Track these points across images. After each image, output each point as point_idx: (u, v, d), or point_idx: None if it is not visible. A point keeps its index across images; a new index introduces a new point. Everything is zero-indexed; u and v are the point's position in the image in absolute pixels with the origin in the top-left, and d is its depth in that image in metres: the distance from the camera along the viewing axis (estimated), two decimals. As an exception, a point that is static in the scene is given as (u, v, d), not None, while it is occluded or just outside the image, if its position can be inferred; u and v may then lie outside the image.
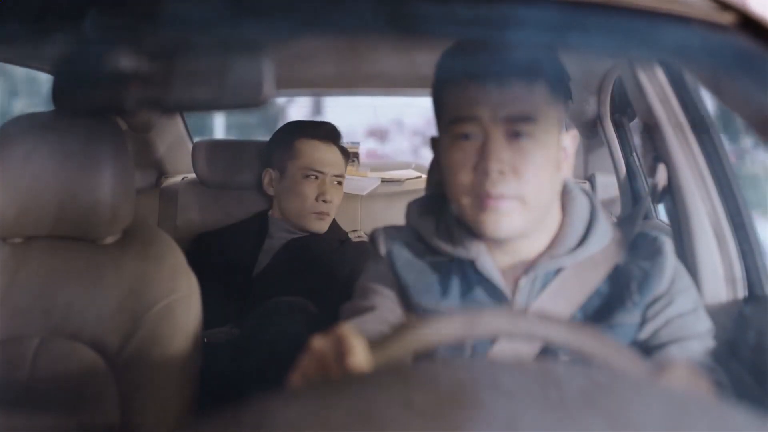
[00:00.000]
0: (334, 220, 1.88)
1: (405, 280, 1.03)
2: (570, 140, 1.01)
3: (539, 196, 0.95)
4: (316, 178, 1.80)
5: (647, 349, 0.95)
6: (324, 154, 1.81)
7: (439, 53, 1.01)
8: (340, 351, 0.69)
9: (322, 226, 1.81)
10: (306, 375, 0.69)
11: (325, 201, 1.79)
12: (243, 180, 2.04)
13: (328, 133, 1.84)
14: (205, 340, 1.24)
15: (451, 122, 0.96)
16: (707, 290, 1.19)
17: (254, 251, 1.81)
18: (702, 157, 1.24)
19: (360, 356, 0.69)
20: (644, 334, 0.96)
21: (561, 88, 0.99)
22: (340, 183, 1.84)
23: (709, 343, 0.96)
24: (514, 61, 0.94)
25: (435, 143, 1.04)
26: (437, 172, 1.06)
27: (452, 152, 0.96)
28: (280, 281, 1.68)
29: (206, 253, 1.78)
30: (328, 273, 1.71)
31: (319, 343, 0.71)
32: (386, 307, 1.01)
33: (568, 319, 0.95)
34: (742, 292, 1.19)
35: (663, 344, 0.95)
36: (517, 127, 0.93)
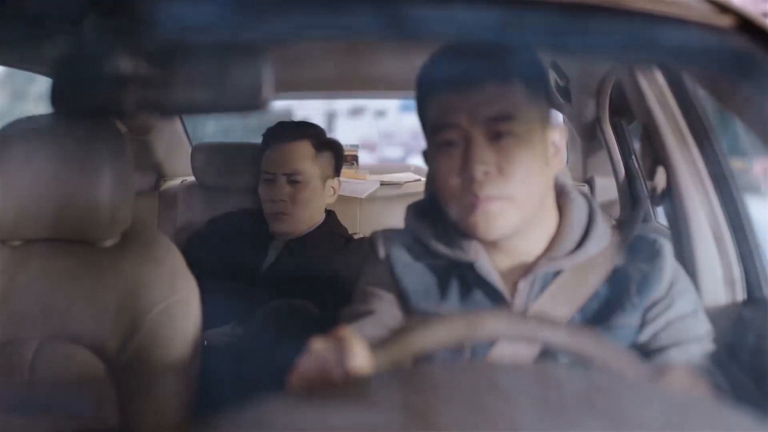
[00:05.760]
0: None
1: (404, 283, 1.03)
2: (558, 134, 1.00)
3: (529, 193, 0.95)
4: (269, 180, 1.79)
5: (647, 352, 0.95)
6: (276, 154, 1.79)
7: (422, 56, 1.01)
8: (340, 353, 0.69)
9: (279, 227, 1.79)
10: (306, 377, 0.69)
11: (273, 201, 1.77)
12: (242, 182, 2.04)
13: (285, 132, 1.81)
14: (206, 342, 1.24)
15: (433, 132, 0.97)
16: (706, 293, 1.19)
17: (261, 252, 1.80)
18: (701, 159, 1.24)
19: (360, 359, 0.68)
20: (644, 337, 0.96)
21: (539, 83, 0.99)
22: (293, 181, 1.77)
23: (709, 345, 0.96)
24: (485, 64, 0.94)
25: (425, 155, 1.05)
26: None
27: (439, 161, 0.97)
28: (283, 282, 1.67)
29: (211, 243, 1.78)
30: (330, 272, 1.70)
31: (319, 345, 0.71)
32: (385, 311, 1.01)
33: (567, 322, 0.95)
34: (741, 295, 1.19)
35: (663, 347, 0.95)
36: (497, 128, 0.93)
